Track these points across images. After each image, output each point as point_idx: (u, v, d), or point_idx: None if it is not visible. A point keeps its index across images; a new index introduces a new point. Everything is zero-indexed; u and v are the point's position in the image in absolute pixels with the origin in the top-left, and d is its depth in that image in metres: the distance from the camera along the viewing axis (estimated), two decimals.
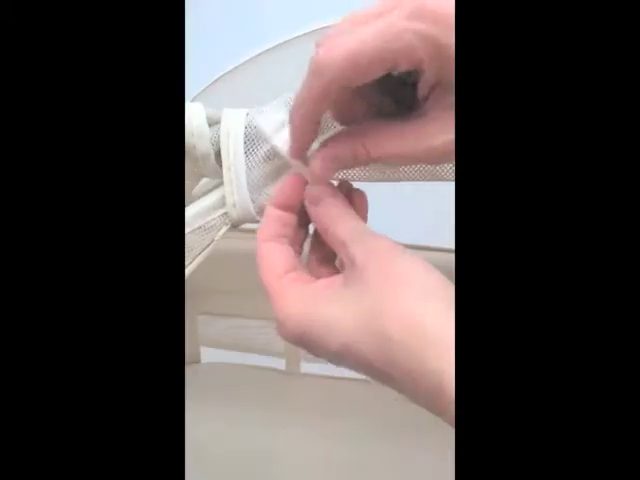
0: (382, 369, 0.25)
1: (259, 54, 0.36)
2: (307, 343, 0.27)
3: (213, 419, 0.59)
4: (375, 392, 0.60)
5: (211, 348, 0.63)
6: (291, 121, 0.28)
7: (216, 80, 0.38)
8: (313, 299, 0.27)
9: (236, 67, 0.37)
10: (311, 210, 0.29)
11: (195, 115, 0.29)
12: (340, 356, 0.26)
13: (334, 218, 0.28)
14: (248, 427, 0.59)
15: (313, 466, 0.57)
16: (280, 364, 0.62)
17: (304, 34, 0.35)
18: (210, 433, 0.58)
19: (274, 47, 0.36)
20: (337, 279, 0.27)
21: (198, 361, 0.64)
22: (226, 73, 0.38)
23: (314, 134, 0.28)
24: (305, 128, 0.27)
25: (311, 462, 0.57)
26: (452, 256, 0.24)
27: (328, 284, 0.27)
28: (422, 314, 0.24)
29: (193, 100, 0.38)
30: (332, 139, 0.28)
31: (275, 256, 0.28)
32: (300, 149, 0.28)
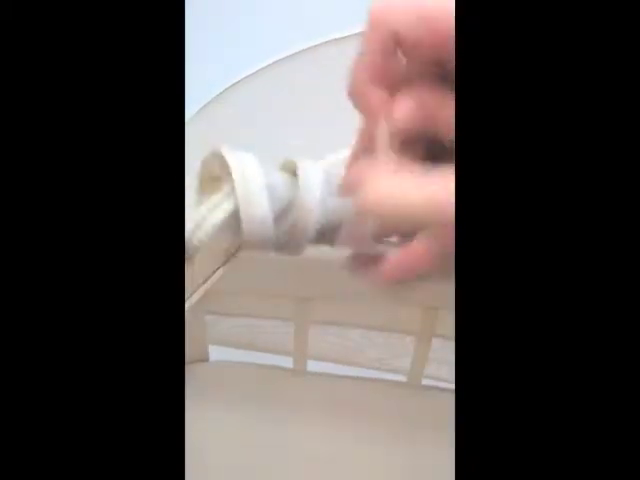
0: None
1: (253, 73, 0.37)
2: None
3: (220, 417, 0.60)
4: (383, 391, 0.61)
5: (219, 346, 0.63)
6: (352, 84, 0.26)
7: (214, 98, 0.39)
8: None
9: (231, 86, 0.37)
10: None
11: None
12: None
13: None
14: (254, 425, 0.59)
15: (319, 465, 0.57)
16: (287, 362, 0.63)
17: (297, 52, 0.36)
18: (217, 430, 0.59)
19: (268, 66, 0.36)
20: None
21: (206, 359, 0.64)
22: (222, 92, 0.38)
23: (383, 91, 0.26)
24: (369, 81, 0.26)
25: (317, 461, 0.58)
26: None
27: None
28: None
29: (191, 119, 0.38)
30: None
31: None
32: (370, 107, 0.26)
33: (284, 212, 0.26)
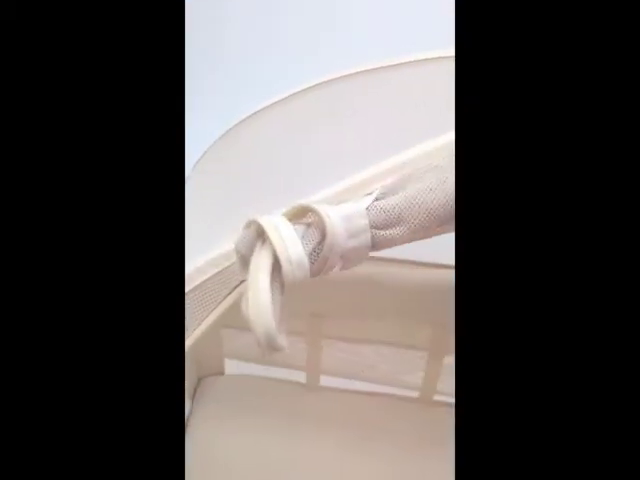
0: None
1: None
2: None
3: (235, 429, 0.61)
4: (395, 406, 0.61)
5: (235, 360, 0.64)
6: None
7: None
8: None
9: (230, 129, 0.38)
10: None
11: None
12: None
13: None
14: (268, 438, 0.60)
15: (330, 478, 0.58)
16: (301, 377, 0.64)
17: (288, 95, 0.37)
18: (232, 443, 0.60)
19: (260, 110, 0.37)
20: None
21: (222, 373, 0.65)
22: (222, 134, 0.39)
23: None
24: None
25: (329, 475, 0.58)
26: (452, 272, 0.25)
27: None
28: None
29: (195, 166, 0.39)
30: None
31: None
32: None
33: (314, 253, 0.28)
